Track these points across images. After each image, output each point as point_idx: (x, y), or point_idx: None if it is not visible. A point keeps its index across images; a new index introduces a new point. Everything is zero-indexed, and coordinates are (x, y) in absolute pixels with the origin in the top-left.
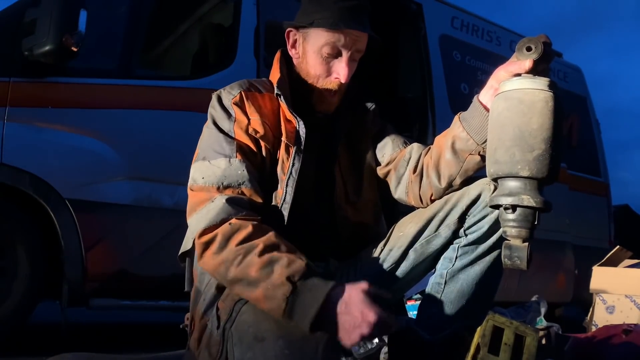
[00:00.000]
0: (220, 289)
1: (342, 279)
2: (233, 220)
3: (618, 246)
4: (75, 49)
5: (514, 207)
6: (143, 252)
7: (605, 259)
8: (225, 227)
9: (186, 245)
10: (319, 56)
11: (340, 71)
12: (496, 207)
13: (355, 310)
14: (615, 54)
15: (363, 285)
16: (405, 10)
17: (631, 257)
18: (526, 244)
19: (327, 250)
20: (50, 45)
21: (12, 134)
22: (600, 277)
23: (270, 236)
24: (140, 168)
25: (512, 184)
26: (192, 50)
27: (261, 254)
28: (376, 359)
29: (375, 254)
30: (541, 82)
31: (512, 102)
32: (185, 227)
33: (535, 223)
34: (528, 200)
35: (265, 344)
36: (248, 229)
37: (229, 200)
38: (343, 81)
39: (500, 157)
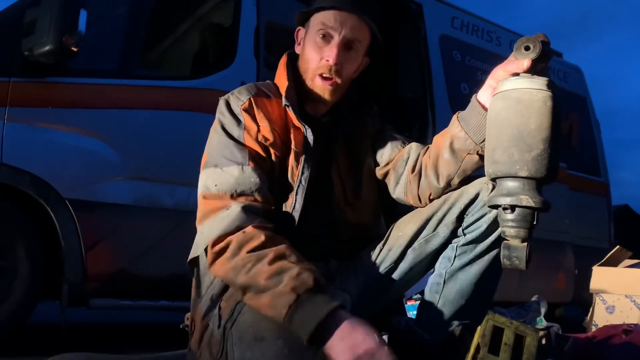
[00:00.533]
0: (223, 289)
1: (342, 279)
2: (247, 229)
3: (618, 246)
4: (75, 49)
5: (512, 207)
6: (143, 252)
7: (605, 259)
8: (239, 234)
9: (196, 251)
10: (314, 42)
11: (330, 53)
12: (495, 207)
13: (357, 335)
14: (614, 56)
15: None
16: (405, 10)
17: (631, 257)
18: (525, 244)
19: (326, 250)
20: (50, 45)
21: (12, 134)
22: (600, 277)
23: (282, 247)
24: (140, 168)
25: (511, 184)
26: (192, 50)
27: (271, 262)
28: None
29: (375, 254)
30: (539, 82)
31: (510, 102)
32: (185, 227)
33: (534, 223)
34: (527, 200)
35: (264, 344)
36: (261, 237)
37: (244, 208)
38: (331, 63)
39: (498, 157)
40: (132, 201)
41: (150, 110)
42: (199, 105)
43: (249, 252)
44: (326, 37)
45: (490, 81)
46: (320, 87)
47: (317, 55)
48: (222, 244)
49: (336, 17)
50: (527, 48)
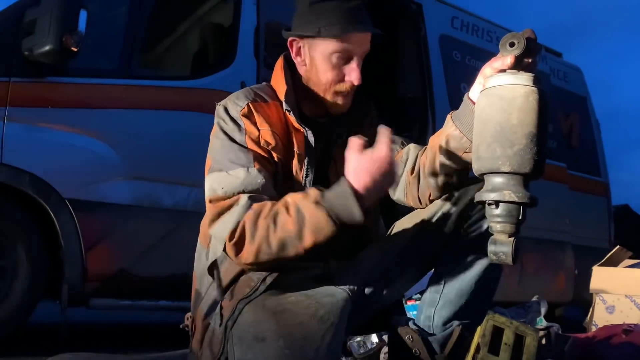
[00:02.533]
0: (224, 289)
1: (342, 279)
2: (254, 206)
3: (618, 246)
4: (75, 49)
5: (497, 203)
6: (143, 252)
7: (605, 259)
8: (248, 214)
9: (216, 252)
10: (329, 62)
11: (354, 74)
12: (482, 203)
13: (367, 168)
14: (612, 59)
15: (355, 142)
16: (405, 10)
17: (631, 257)
18: (511, 239)
19: (326, 251)
20: (50, 45)
21: (12, 134)
22: (600, 277)
23: (282, 198)
24: (140, 168)
25: (496, 179)
26: (192, 50)
27: (287, 211)
28: (376, 359)
29: (375, 254)
30: (523, 78)
31: (492, 99)
32: (185, 227)
33: (520, 218)
34: (510, 195)
35: (265, 344)
36: (267, 204)
37: (251, 198)
38: (356, 83)
39: (482, 153)
40: (132, 201)
41: (150, 110)
42: (199, 105)
43: (264, 219)
44: (345, 58)
45: (479, 78)
46: (342, 103)
47: (337, 75)
48: (238, 233)
49: (354, 41)
50: (511, 44)
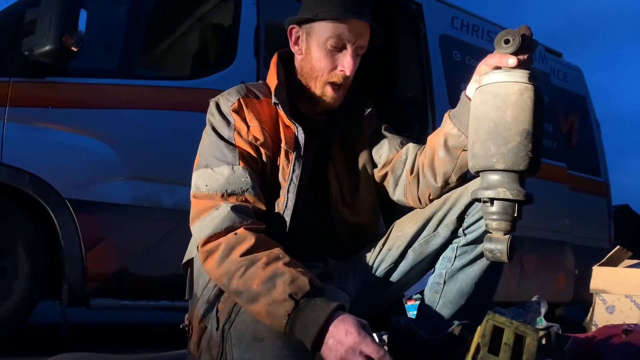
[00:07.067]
0: (220, 291)
1: (341, 279)
2: (239, 231)
3: (618, 246)
4: (75, 49)
5: (492, 200)
6: (143, 252)
7: (605, 259)
8: (230, 236)
9: (191, 252)
10: (324, 49)
11: (345, 64)
12: (478, 200)
13: (340, 333)
14: (612, 66)
15: (363, 322)
16: (405, 10)
17: (631, 257)
18: (507, 236)
19: (325, 250)
20: (50, 45)
21: (12, 134)
22: (600, 277)
23: (275, 250)
24: (140, 168)
25: (491, 177)
26: (192, 50)
27: (264, 267)
28: None
29: (374, 254)
30: (517, 75)
31: (487, 96)
32: (185, 227)
33: (515, 215)
34: (504, 192)
35: (264, 344)
36: (252, 240)
37: (234, 208)
38: (348, 74)
39: (477, 151)
40: (132, 201)
41: (150, 110)
42: (199, 105)
43: (241, 255)
44: (339, 46)
45: (475, 76)
46: (331, 96)
47: (330, 64)
48: (212, 244)
49: (349, 28)
50: (506, 41)
